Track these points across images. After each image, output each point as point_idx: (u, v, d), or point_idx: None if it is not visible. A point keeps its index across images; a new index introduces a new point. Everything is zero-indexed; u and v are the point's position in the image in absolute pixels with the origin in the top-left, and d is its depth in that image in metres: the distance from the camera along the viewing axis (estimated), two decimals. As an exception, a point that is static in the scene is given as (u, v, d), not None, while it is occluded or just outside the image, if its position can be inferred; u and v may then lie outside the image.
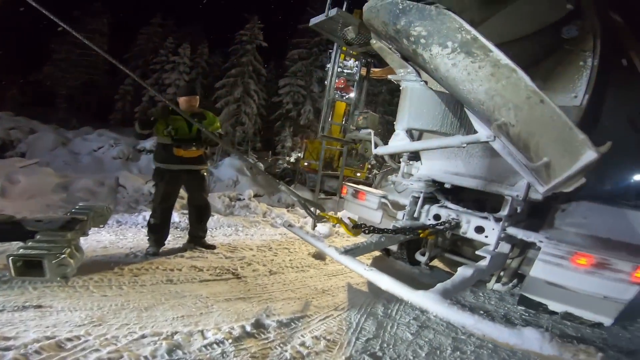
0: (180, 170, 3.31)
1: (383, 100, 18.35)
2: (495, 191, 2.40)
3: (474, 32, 1.54)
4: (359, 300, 2.86)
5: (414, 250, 3.17)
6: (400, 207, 2.94)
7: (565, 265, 1.98)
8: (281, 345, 2.09)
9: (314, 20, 4.62)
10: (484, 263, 2.13)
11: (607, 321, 2.15)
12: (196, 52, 18.86)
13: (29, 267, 2.25)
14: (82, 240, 3.00)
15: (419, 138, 2.64)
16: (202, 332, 2.08)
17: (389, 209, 3.09)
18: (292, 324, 2.36)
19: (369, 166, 11.99)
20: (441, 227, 2.45)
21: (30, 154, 8.50)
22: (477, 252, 2.24)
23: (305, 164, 12.60)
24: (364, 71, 5.56)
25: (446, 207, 2.66)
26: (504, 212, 2.31)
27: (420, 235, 2.34)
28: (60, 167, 7.42)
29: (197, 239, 3.64)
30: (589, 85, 2.26)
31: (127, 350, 1.81)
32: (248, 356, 1.92)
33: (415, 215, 2.75)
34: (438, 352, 2.27)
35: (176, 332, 2.03)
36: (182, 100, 3.25)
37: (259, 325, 2.25)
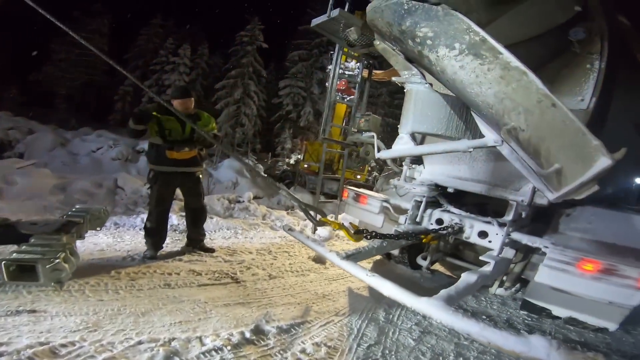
0: (174, 173, 3.23)
1: (383, 103, 18.37)
2: (499, 196, 2.36)
3: (482, 33, 1.50)
4: (360, 305, 2.82)
5: (415, 254, 3.13)
6: (402, 211, 2.90)
7: (571, 271, 1.95)
8: (281, 352, 2.04)
9: (315, 21, 4.59)
10: (487, 268, 2.09)
11: (612, 326, 2.11)
12: (196, 53, 18.85)
13: (23, 272, 2.21)
14: (78, 243, 2.96)
15: (422, 141, 2.61)
16: (200, 338, 2.04)
17: (390, 213, 3.05)
18: (292, 330, 2.32)
19: (369, 168, 11.96)
20: (444, 232, 2.41)
21: (29, 154, 8.45)
22: (481, 258, 2.20)
23: (305, 165, 12.56)
24: (365, 73, 5.52)
25: (449, 211, 2.63)
26: (509, 217, 2.27)
27: (423, 241, 2.30)
28: (59, 168, 7.36)
29: (195, 242, 3.59)
30: (596, 89, 2.23)
31: (123, 357, 1.77)
32: (247, 364, 1.88)
33: (418, 219, 2.71)
34: (441, 358, 2.23)
35: (174, 339, 1.98)
36: (176, 103, 3.13)
37: (258, 331, 2.20)
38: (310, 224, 5.26)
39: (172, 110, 2.18)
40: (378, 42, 2.32)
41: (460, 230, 2.47)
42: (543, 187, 1.37)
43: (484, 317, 2.94)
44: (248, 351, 1.99)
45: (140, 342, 1.91)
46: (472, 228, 2.45)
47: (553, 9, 2.05)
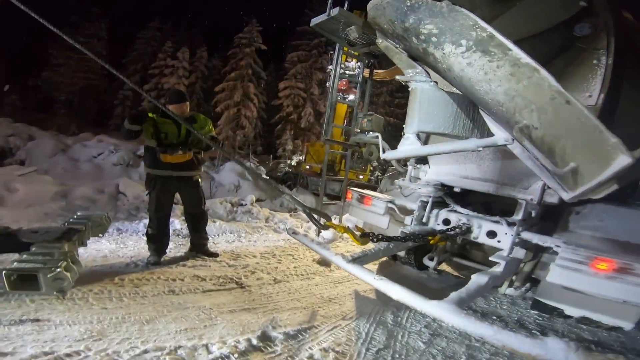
0: (171, 177, 3.18)
1: (384, 102, 18.33)
2: (508, 195, 2.32)
3: (490, 29, 1.46)
4: (368, 309, 2.78)
5: (421, 254, 3.09)
6: (408, 212, 2.86)
7: (585, 271, 1.91)
8: (289, 359, 2.01)
9: (315, 21, 4.55)
10: (498, 269, 2.05)
11: (627, 325, 2.07)
12: (195, 56, 18.82)
13: (24, 281, 2.17)
14: (81, 250, 2.92)
15: (426, 141, 2.57)
16: (206, 346, 2.01)
17: (396, 214, 3.01)
18: (299, 335, 2.28)
19: (371, 168, 11.93)
20: (452, 232, 2.37)
21: (30, 161, 8.44)
22: (490, 258, 2.16)
23: (307, 167, 12.53)
24: (366, 72, 5.48)
25: (456, 211, 2.59)
26: (518, 216, 2.23)
27: (431, 242, 2.26)
28: (60, 174, 7.34)
29: (198, 246, 3.56)
30: (604, 85, 2.18)
31: (129, 367, 1.74)
32: (255, 372, 1.85)
33: (424, 220, 2.67)
34: (452, 361, 2.19)
35: (180, 347, 1.95)
36: (172, 108, 3.07)
37: (265, 337, 2.17)
38: (313, 225, 5.22)
39: (168, 112, 2.14)
40: (380, 40, 2.28)
41: (468, 230, 2.43)
42: (557, 186, 1.33)
43: (494, 317, 2.90)
44: (255, 358, 1.96)
45: (145, 351, 1.88)
46: (480, 228, 2.41)
47: (557, 4, 2.02)
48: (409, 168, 2.89)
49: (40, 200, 5.05)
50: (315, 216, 2.22)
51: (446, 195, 2.67)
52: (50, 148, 9.03)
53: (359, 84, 5.69)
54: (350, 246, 4.66)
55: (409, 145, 1.97)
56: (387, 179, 3.66)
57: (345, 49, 5.08)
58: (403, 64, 2.27)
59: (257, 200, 6.35)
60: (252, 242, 4.47)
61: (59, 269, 2.14)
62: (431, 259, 2.87)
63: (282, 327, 2.34)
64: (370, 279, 1.87)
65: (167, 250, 3.41)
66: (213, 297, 2.68)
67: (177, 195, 3.40)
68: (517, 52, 1.39)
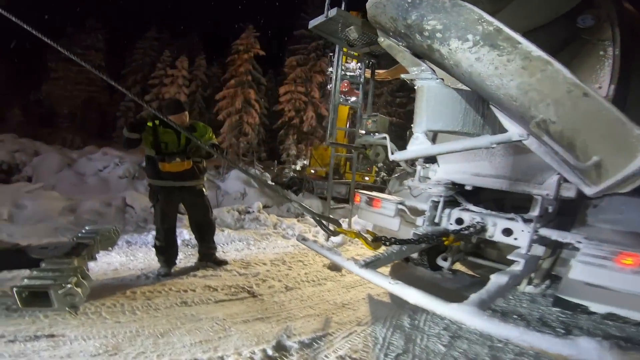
0: (172, 188, 3.15)
1: (385, 102, 18.27)
2: (522, 191, 2.26)
3: (496, 23, 1.42)
4: (383, 313, 2.73)
5: (435, 255, 3.03)
6: (419, 213, 2.81)
7: (610, 266, 1.84)
8: (306, 368, 1.97)
9: (313, 22, 4.53)
10: (517, 268, 1.99)
11: None
12: (194, 65, 18.90)
13: (36, 297, 2.17)
14: (92, 263, 2.92)
15: (434, 139, 2.52)
16: (222, 358, 1.98)
17: (406, 215, 2.96)
18: (315, 343, 2.24)
19: (376, 169, 11.86)
20: (466, 232, 2.32)
21: (37, 177, 8.50)
22: (509, 257, 2.10)
23: (312, 171, 12.50)
24: (368, 73, 5.44)
25: (469, 210, 2.53)
26: (535, 212, 2.17)
27: (445, 243, 2.21)
28: (67, 189, 7.38)
29: (207, 256, 3.53)
30: (614, 75, 2.14)
31: (145, 384, 1.72)
32: (273, 384, 1.81)
33: (436, 220, 2.62)
34: (475, 364, 2.14)
35: (195, 360, 1.92)
36: (171, 118, 3.09)
37: (280, 347, 2.14)
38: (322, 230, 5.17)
39: (167, 121, 2.12)
40: (382, 39, 2.25)
41: (483, 229, 2.38)
42: (579, 181, 1.28)
43: (514, 316, 2.84)
44: (272, 369, 1.93)
45: (161, 366, 1.86)
46: (495, 226, 2.35)
47: (558, -4, 1.98)
48: (418, 168, 2.85)
49: (49, 216, 5.07)
50: (325, 222, 2.19)
51: (457, 194, 2.62)
52: (56, 163, 9.10)
53: (361, 85, 5.65)
54: (360, 249, 4.61)
55: (418, 145, 1.92)
56: (395, 179, 3.61)
57: (345, 49, 5.05)
58: (407, 62, 2.23)
59: (264, 206, 6.32)
60: (262, 249, 4.43)
61: (69, 285, 2.14)
62: (445, 259, 2.82)
63: (296, 335, 2.30)
64: (385, 284, 1.82)
65: (176, 261, 3.39)
66: (226, 308, 2.65)
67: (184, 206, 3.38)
68: (527, 44, 1.35)
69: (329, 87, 13.70)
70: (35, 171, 8.84)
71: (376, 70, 5.51)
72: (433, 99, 2.11)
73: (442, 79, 2.11)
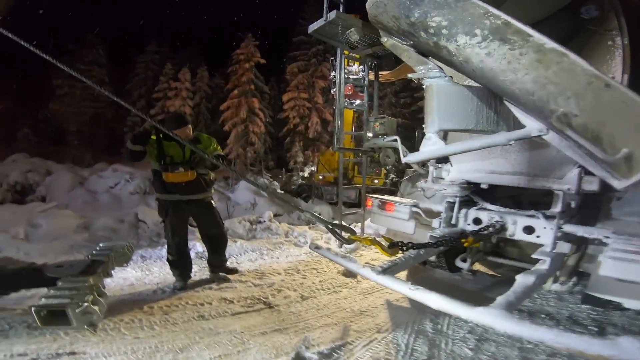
0: (180, 202, 3.13)
1: (389, 103, 18.20)
2: (541, 186, 2.19)
3: (504, 16, 1.38)
4: (403, 318, 2.67)
5: (453, 256, 2.96)
6: (434, 215, 2.75)
7: None
8: (328, 380, 1.92)
9: (313, 27, 4.51)
10: (543, 266, 1.91)
11: None
12: (196, 77, 19.06)
13: (54, 316, 2.17)
14: (108, 280, 2.92)
15: (444, 139, 2.47)
16: (242, 373, 1.95)
17: (421, 218, 2.90)
18: (334, 354, 2.20)
19: (385, 171, 11.79)
20: (485, 232, 2.25)
21: (50, 196, 8.63)
22: (533, 256, 2.02)
23: (320, 177, 12.49)
24: (371, 75, 5.39)
25: (486, 209, 2.47)
26: (557, 208, 2.09)
27: (465, 245, 2.14)
28: (80, 207, 7.48)
29: (218, 267, 3.52)
30: (626, 65, 2.09)
31: (167, 402, 1.69)
32: (296, 398, 1.77)
33: (453, 221, 2.55)
34: (506, 367, 2.06)
35: (216, 376, 1.90)
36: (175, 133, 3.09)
37: (299, 359, 2.09)
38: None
39: (173, 136, 2.11)
40: (385, 39, 2.22)
41: (503, 228, 2.30)
42: (607, 174, 1.22)
43: (542, 315, 2.74)
44: (294, 383, 1.88)
45: (182, 383, 1.83)
46: (516, 224, 2.28)
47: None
48: (430, 169, 2.79)
49: (64, 234, 5.14)
50: (338, 231, 2.15)
51: (473, 193, 2.56)
52: (68, 182, 9.24)
53: (365, 88, 5.61)
54: (375, 253, 4.54)
55: (432, 146, 1.87)
56: (406, 181, 3.55)
57: (347, 52, 5.02)
58: (413, 61, 2.18)
59: (275, 215, 6.30)
60: (275, 258, 4.41)
61: (86, 304, 2.14)
62: (464, 260, 2.74)
63: (315, 346, 2.26)
64: (405, 290, 1.76)
65: (191, 274, 3.38)
66: (243, 320, 2.62)
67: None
68: (539, 37, 1.31)
69: (332, 91, 13.70)
70: (49, 191, 8.99)
71: (380, 72, 5.47)
72: (443, 98, 2.06)
73: (451, 77, 2.07)
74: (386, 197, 3.37)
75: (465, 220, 2.52)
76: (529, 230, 2.23)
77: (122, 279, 3.39)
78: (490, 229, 2.27)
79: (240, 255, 4.40)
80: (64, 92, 19.39)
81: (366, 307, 2.93)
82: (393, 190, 9.73)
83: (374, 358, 2.16)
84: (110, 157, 17.22)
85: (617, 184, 1.22)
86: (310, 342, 2.29)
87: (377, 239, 1.98)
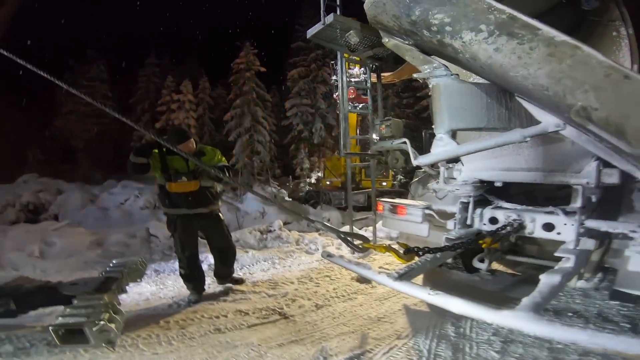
0: (188, 216, 3.12)
1: (392, 104, 18.13)
2: (559, 182, 2.13)
3: (508, 10, 1.34)
4: (423, 323, 2.61)
5: (470, 257, 2.89)
6: (448, 216, 2.70)
7: None
8: (350, 391, 1.87)
9: (311, 32, 4.52)
10: (567, 264, 1.85)
11: None
12: (198, 88, 19.14)
13: (72, 335, 2.17)
14: (123, 295, 2.92)
15: (453, 138, 2.42)
16: (262, 387, 1.91)
17: (435, 220, 2.85)
18: (354, 363, 2.15)
19: (393, 173, 11.70)
20: (503, 231, 2.20)
21: (63, 215, 8.76)
22: (556, 254, 1.96)
23: (327, 182, 12.45)
24: (373, 77, 5.36)
25: (502, 207, 2.41)
26: (577, 203, 2.03)
27: (483, 246, 2.09)
28: (92, 224, 7.57)
29: (225, 278, 3.54)
30: (634, 55, 2.04)
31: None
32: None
33: (468, 222, 2.50)
34: (535, 369, 1.99)
35: (236, 391, 1.86)
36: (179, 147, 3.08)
37: (319, 370, 2.05)
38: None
39: (177, 152, 2.11)
40: (387, 39, 2.19)
41: (521, 226, 2.25)
42: (633, 168, 1.17)
43: (569, 314, 2.66)
44: (315, 395, 1.84)
45: (203, 400, 1.80)
46: (534, 222, 2.22)
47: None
48: (441, 169, 2.74)
49: (78, 251, 5.19)
50: (351, 239, 2.11)
51: (487, 191, 2.51)
52: (79, 200, 9.37)
53: (368, 90, 5.58)
54: (389, 257, 4.48)
55: (443, 147, 1.82)
56: (416, 183, 3.51)
57: (347, 55, 4.99)
58: (417, 61, 2.14)
59: (285, 223, 6.28)
60: (287, 267, 4.37)
61: (102, 322, 2.13)
62: (481, 261, 2.67)
63: (333, 356, 2.22)
64: (424, 295, 1.71)
65: (205, 287, 3.37)
66: (259, 332, 2.59)
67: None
68: (548, 30, 1.27)
69: (335, 95, 13.69)
70: (61, 209, 9.12)
71: (382, 74, 5.44)
72: (451, 97, 2.02)
73: (457, 75, 2.03)
74: (397, 200, 3.33)
75: (481, 220, 2.47)
76: (548, 227, 2.17)
77: (138, 294, 3.40)
78: (508, 228, 2.21)
79: (253, 265, 4.37)
80: (68, 110, 19.44)
81: (383, 314, 2.87)
82: (402, 192, 9.63)
83: (395, 366, 2.11)
84: (118, 173, 17.38)
85: (644, 176, 1.17)
86: (328, 352, 2.25)
87: (391, 244, 1.94)
